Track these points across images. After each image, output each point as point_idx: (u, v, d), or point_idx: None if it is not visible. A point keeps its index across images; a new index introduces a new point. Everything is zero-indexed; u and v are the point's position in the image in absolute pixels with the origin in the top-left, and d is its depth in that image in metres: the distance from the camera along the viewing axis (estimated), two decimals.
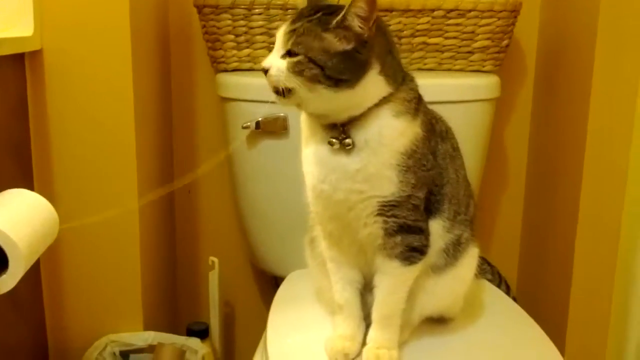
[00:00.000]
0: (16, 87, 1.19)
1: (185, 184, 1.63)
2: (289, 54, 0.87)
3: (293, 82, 0.86)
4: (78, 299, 1.30)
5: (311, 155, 0.94)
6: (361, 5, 0.84)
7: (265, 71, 0.88)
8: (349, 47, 0.86)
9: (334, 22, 0.85)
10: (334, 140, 0.90)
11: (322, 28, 0.86)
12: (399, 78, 0.92)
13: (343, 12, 0.85)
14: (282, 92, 0.87)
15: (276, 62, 0.87)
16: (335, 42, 0.85)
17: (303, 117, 0.97)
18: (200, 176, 1.62)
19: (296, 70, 0.85)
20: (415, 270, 0.96)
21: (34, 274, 1.26)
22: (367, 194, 0.90)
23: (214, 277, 1.50)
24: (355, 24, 0.85)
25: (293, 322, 1.11)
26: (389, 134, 0.89)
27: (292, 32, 0.87)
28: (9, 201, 0.87)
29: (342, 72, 0.85)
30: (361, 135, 0.89)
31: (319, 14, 0.88)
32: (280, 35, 0.89)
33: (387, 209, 0.91)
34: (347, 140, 0.89)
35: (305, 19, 0.88)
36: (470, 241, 1.04)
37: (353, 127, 0.90)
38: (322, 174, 0.92)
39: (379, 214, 0.92)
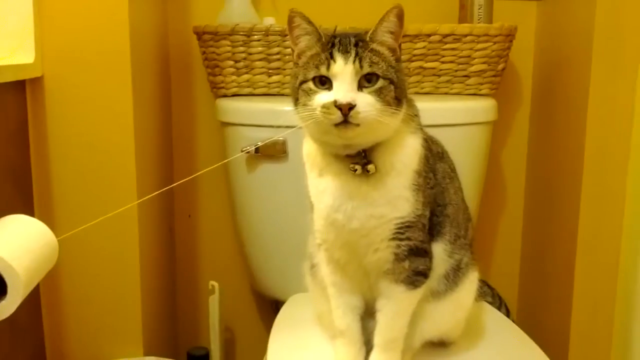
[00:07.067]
0: (17, 113, 1.20)
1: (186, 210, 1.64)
2: (366, 80, 0.84)
3: (382, 116, 0.82)
4: (78, 324, 1.30)
5: (327, 186, 0.91)
6: (392, 19, 0.85)
7: (339, 107, 0.81)
8: (393, 60, 0.86)
9: (378, 31, 0.86)
10: (356, 166, 0.88)
11: (373, 41, 0.86)
12: None
13: (374, 28, 0.86)
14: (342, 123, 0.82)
15: (356, 95, 0.82)
16: (389, 54, 0.86)
17: (308, 149, 0.95)
18: (199, 200, 1.63)
19: (381, 96, 0.83)
20: (418, 294, 0.96)
21: (33, 300, 1.25)
22: (387, 217, 0.90)
23: (214, 302, 1.50)
24: (388, 38, 0.86)
25: (293, 346, 1.11)
26: (410, 152, 0.90)
27: (357, 57, 0.83)
28: (8, 227, 0.88)
29: (402, 89, 0.86)
30: (386, 157, 0.88)
31: (362, 36, 0.86)
32: (341, 68, 0.83)
33: (402, 230, 0.91)
34: (371, 166, 0.88)
35: (359, 43, 0.85)
36: (470, 265, 1.04)
37: (377, 152, 0.88)
38: (337, 203, 0.90)
39: (393, 238, 0.91)
